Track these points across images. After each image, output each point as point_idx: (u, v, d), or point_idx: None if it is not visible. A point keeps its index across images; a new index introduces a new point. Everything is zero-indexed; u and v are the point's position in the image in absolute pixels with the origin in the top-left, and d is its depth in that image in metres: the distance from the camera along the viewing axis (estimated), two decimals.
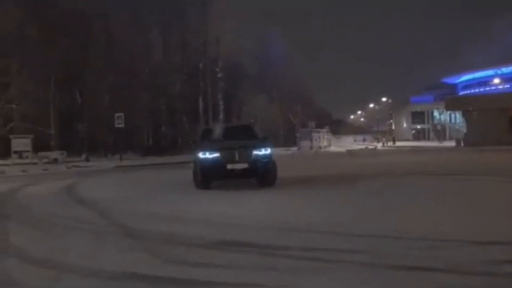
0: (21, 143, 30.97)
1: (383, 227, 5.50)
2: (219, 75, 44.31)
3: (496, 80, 53.66)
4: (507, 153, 22.87)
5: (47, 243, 5.34)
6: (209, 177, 10.25)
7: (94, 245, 5.19)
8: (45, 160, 29.67)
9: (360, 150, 40.41)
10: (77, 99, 36.83)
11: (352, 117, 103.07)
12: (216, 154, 10.03)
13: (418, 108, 74.54)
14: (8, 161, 29.09)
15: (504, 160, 18.97)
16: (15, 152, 30.54)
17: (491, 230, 5.17)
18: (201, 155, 10.31)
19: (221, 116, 45.25)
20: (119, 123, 33.93)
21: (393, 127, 76.38)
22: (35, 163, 28.11)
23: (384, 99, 76.72)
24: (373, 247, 4.58)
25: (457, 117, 59.33)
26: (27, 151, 30.65)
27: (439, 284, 3.52)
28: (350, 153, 33.74)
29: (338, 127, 79.30)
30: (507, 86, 52.05)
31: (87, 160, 31.16)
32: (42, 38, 34.33)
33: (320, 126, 54.79)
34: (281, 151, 35.97)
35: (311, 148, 46.92)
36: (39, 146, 32.02)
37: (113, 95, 35.97)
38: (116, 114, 33.89)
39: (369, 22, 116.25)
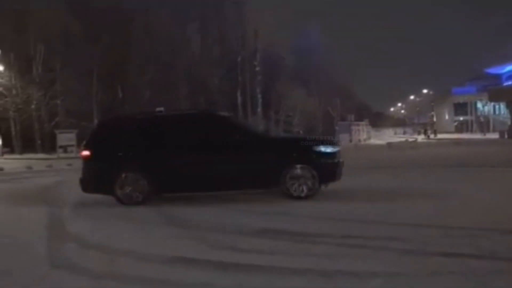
0: (66, 137, 30.17)
1: None
2: (257, 68, 42.30)
3: None
4: None
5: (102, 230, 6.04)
6: None
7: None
8: None
9: (400, 142, 37.50)
10: (119, 94, 35.80)
11: (392, 109, 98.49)
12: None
13: (461, 100, 69.70)
14: (54, 156, 28.60)
15: None
16: (61, 146, 29.77)
17: None
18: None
19: (259, 110, 43.07)
20: None
21: (435, 119, 72.63)
22: None
23: (425, 90, 72.88)
24: None
25: (502, 109, 55.23)
26: (72, 145, 29.63)
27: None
28: (389, 145, 31.57)
29: (378, 120, 76.04)
30: None
31: None
32: (85, 35, 33.71)
33: (359, 119, 52.63)
34: None
35: (350, 141, 44.64)
36: (83, 140, 30.97)
37: (154, 89, 34.76)
38: (157, 109, 32.40)
39: (411, 13, 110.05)
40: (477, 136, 48.79)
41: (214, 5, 38.59)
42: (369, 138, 54.81)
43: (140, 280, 3.83)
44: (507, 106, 48.65)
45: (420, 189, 8.39)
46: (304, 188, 8.05)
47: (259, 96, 43.65)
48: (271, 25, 39.10)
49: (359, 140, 47.69)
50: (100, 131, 9.34)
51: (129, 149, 8.32)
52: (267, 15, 38.84)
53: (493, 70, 60.01)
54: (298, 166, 8.12)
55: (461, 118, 72.17)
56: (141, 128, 8.56)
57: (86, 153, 8.46)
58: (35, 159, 26.34)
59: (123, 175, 8.02)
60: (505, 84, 54.63)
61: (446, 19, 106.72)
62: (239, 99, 42.05)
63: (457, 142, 33.73)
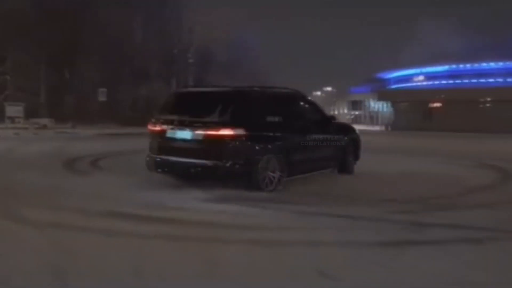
0: (14, 109, 30.75)
1: None
2: (190, 60, 45.83)
3: (420, 78, 57.79)
4: (423, 137, 26.78)
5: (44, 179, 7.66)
6: None
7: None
8: (36, 126, 29.93)
9: None
10: (66, 76, 37.24)
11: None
12: None
13: (356, 98, 77.39)
14: (2, 125, 29.17)
15: (419, 142, 22.29)
16: (9, 117, 30.48)
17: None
18: None
19: None
20: (102, 97, 34.99)
21: (336, 112, 79.92)
22: (26, 128, 28.38)
23: (329, 88, 79.92)
24: None
25: (387, 106, 62.41)
26: (19, 117, 30.65)
27: None
28: None
29: None
30: (428, 83, 56.36)
31: (73, 127, 32.02)
32: (38, 19, 34.31)
33: None
34: None
35: None
36: (30, 113, 32.35)
37: (99, 74, 36.35)
38: (100, 89, 34.92)
39: (323, 22, 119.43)
40: (369, 128, 56.67)
41: (157, 3, 40.94)
42: None
43: None
44: (392, 105, 57.06)
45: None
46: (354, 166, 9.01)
47: (191, 84, 47.56)
48: (207, 23, 42.02)
49: None
50: (248, 104, 7.08)
51: (270, 127, 7.12)
52: (204, 14, 41.57)
53: (382, 75, 68.91)
54: (351, 147, 8.89)
55: (356, 113, 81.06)
56: (273, 105, 7.40)
57: (231, 131, 6.51)
58: None
59: (265, 158, 6.77)
60: (392, 87, 63.62)
61: (354, 28, 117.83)
62: (174, 85, 45.54)
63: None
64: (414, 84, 58.19)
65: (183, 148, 6.86)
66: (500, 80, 51.78)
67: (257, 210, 5.79)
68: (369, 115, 71.51)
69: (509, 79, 52.96)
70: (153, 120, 7.50)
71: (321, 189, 7.42)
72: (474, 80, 53.56)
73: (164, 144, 7.14)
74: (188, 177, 7.18)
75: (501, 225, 5.14)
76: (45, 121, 32.32)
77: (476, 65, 55.64)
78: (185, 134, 6.86)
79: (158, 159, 7.21)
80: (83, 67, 36.49)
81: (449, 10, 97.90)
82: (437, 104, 49.38)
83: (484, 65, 55.94)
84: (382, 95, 56.11)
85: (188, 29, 43.81)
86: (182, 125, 6.91)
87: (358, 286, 3.16)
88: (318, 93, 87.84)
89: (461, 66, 55.54)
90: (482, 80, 53.34)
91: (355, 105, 78.49)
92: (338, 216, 5.37)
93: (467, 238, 4.55)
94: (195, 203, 6.08)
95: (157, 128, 7.28)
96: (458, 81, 54.50)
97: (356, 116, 79.52)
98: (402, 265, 3.61)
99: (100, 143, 17.33)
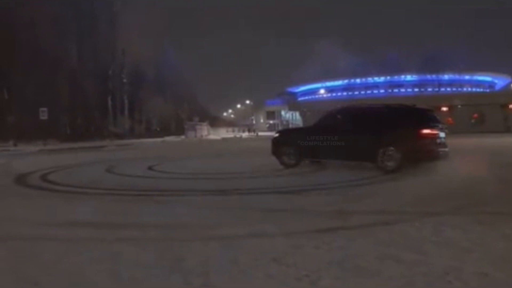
0: None
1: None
2: (124, 80, 46.26)
3: (322, 91, 63.75)
4: None
5: None
6: None
7: None
8: None
9: (231, 138, 45.38)
10: (4, 95, 36.03)
11: (225, 114, 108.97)
12: None
13: (271, 109, 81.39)
14: None
15: None
16: None
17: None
18: None
19: (126, 112, 47.23)
20: (43, 116, 34.62)
21: (254, 122, 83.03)
22: None
23: (248, 101, 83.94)
24: None
25: (297, 115, 65.39)
26: None
27: None
28: (224, 140, 37.15)
29: (215, 121, 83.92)
30: (328, 95, 62.46)
31: (15, 145, 31.33)
32: None
33: (202, 120, 57.75)
34: (173, 138, 40.15)
35: (195, 136, 49.54)
36: None
37: (38, 91, 34.97)
38: (41, 109, 34.50)
39: (250, 40, 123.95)
40: None
41: (89, 24, 40.63)
42: (209, 134, 61.38)
43: None
44: (300, 114, 61.89)
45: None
46: None
47: (126, 101, 47.93)
48: (138, 44, 43.05)
49: (202, 136, 52.45)
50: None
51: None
52: (135, 35, 41.64)
53: (291, 89, 74.33)
54: None
55: (271, 122, 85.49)
56: None
57: None
58: None
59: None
60: (300, 99, 68.82)
61: (272, 45, 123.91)
62: (110, 103, 45.76)
63: (270, 137, 42.80)
64: (317, 96, 63.36)
65: None
66: (382, 91, 59.38)
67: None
68: (282, 123, 76.24)
69: (390, 90, 60.81)
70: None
71: None
72: (363, 92, 60.64)
73: None
74: None
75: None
76: None
77: (364, 80, 63.13)
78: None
79: None
80: (22, 86, 34.96)
81: (338, 33, 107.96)
82: None
83: (370, 79, 63.67)
84: (292, 106, 60.56)
85: (121, 50, 44.38)
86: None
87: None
88: (239, 105, 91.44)
89: (353, 80, 62.64)
90: (369, 92, 60.61)
91: (270, 115, 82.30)
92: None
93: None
94: None
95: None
96: (351, 93, 61.26)
97: (271, 124, 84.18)
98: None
99: (44, 158, 16.43)
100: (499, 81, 64.20)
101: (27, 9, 34.78)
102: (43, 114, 34.45)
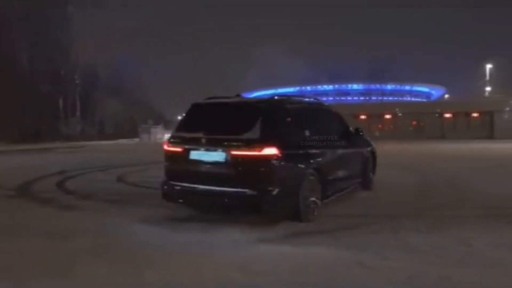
0: None
1: None
2: (77, 81, 45.23)
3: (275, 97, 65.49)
4: None
5: None
6: None
7: None
8: None
9: None
10: None
11: (179, 117, 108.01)
12: None
13: None
14: None
15: None
16: None
17: None
18: None
19: (78, 113, 46.12)
20: None
21: None
22: None
23: None
24: None
25: None
26: None
27: None
28: None
29: (169, 124, 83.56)
30: None
31: None
32: None
33: (157, 123, 57.10)
34: (127, 141, 40.18)
35: (149, 139, 49.17)
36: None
37: None
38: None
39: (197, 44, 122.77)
40: None
41: (44, 26, 39.24)
42: (163, 137, 61.58)
43: None
44: None
45: None
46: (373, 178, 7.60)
47: (78, 102, 46.79)
48: (92, 46, 41.73)
49: (156, 139, 51.05)
50: (279, 116, 5.29)
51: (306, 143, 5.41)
52: (88, 39, 41.23)
53: (246, 94, 75.95)
54: (371, 161, 7.53)
55: None
56: (306, 116, 5.81)
57: (270, 151, 4.66)
58: None
59: (308, 179, 5.14)
60: None
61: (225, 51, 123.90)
62: (61, 104, 44.37)
63: None
64: None
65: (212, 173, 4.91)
66: (331, 99, 62.52)
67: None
68: None
69: (338, 98, 64.17)
70: (171, 139, 5.43)
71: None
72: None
73: (187, 168, 5.14)
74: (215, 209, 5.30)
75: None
76: None
77: (314, 87, 66.17)
78: (215, 155, 4.89)
79: (179, 187, 5.19)
80: None
81: (291, 40, 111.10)
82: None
83: (320, 87, 66.84)
84: None
85: (74, 51, 43.40)
86: (211, 144, 4.94)
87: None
88: None
89: (304, 88, 65.35)
90: (319, 99, 63.53)
91: None
92: None
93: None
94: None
95: (177, 148, 5.24)
96: None
97: None
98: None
99: None
100: (436, 91, 70.05)
101: None
102: None
